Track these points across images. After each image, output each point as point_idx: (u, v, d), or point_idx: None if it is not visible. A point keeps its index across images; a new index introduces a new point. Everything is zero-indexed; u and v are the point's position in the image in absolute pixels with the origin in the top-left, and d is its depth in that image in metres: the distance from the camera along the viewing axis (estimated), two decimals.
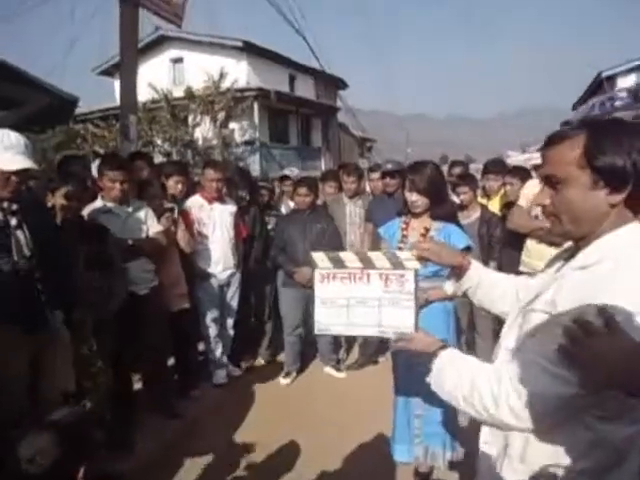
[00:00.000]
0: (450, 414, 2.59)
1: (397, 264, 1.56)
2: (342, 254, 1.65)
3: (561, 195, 1.09)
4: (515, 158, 6.41)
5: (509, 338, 1.19)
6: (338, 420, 3.41)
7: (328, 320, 1.62)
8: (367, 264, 1.59)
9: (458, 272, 1.55)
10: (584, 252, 1.08)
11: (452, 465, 2.67)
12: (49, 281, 2.31)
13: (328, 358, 4.33)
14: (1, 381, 2.12)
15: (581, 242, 1.11)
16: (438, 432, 2.62)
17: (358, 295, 1.59)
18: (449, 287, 1.63)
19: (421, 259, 1.53)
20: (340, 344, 4.66)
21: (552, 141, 1.11)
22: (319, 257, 1.65)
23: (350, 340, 4.72)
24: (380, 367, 4.25)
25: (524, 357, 1.05)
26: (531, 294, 1.17)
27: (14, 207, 2.21)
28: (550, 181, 1.11)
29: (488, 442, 1.24)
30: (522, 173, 4.25)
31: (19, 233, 2.22)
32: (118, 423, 2.93)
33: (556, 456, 1.06)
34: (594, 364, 0.89)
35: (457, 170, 4.92)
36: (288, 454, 3.02)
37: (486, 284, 1.50)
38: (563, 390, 0.97)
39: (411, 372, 2.54)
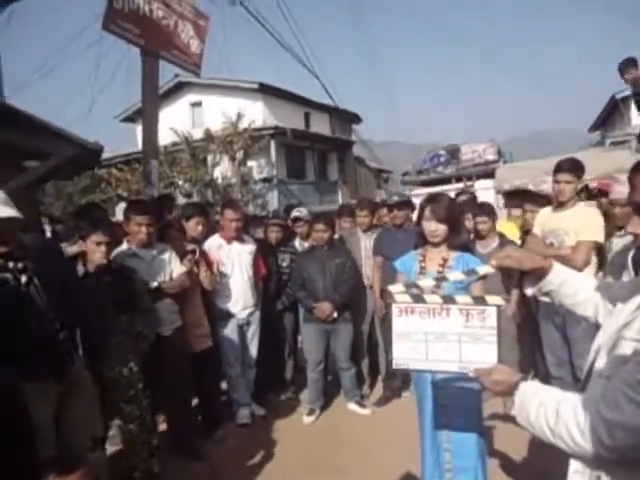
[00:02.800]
0: (480, 446, 2.53)
1: (478, 299, 1.56)
2: (421, 282, 1.66)
3: None
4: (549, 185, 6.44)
5: (600, 363, 1.13)
6: (364, 459, 3.35)
7: (406, 355, 1.61)
8: (447, 299, 1.58)
9: (539, 274, 1.50)
10: None
11: None
12: (70, 327, 2.35)
13: (352, 394, 4.28)
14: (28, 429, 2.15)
15: None
16: (469, 466, 2.54)
17: (437, 330, 1.58)
18: (529, 290, 1.59)
19: (501, 269, 1.52)
20: (364, 379, 4.61)
21: None
22: (397, 291, 1.64)
23: (373, 375, 4.67)
24: (404, 401, 4.17)
25: (613, 386, 1.00)
26: (621, 319, 1.12)
27: (20, 265, 2.27)
28: None
29: (579, 471, 1.17)
30: (541, 200, 4.24)
31: (31, 289, 2.28)
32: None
33: None
34: None
35: (463, 198, 4.93)
36: None
37: (568, 288, 1.46)
38: None
39: (437, 405, 2.51)
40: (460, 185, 6.05)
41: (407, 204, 4.31)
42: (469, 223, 4.25)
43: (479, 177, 6.81)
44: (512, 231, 4.44)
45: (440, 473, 2.58)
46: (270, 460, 3.46)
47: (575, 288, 1.45)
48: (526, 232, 4.16)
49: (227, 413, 4.07)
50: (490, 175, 6.59)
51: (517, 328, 4.06)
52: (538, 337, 3.65)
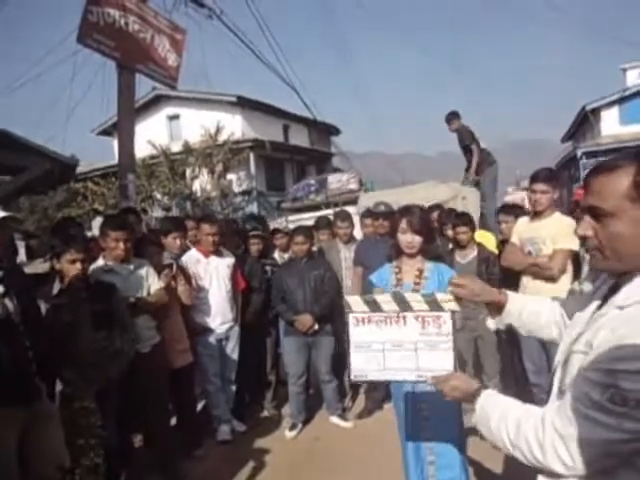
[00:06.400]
0: (461, 456, 2.53)
1: (434, 305, 1.54)
2: (377, 296, 1.64)
3: (607, 229, 1.01)
4: (512, 196, 6.89)
5: (557, 377, 1.14)
6: (347, 473, 3.31)
7: (364, 366, 1.58)
8: (403, 306, 1.56)
9: (497, 307, 1.50)
10: (626, 289, 1.01)
11: None
12: (37, 350, 2.24)
13: (334, 407, 4.24)
14: None
15: (623, 277, 1.03)
16: (454, 476, 2.54)
17: (394, 338, 1.56)
18: (491, 323, 1.59)
19: (458, 299, 1.52)
20: (345, 392, 4.58)
21: (598, 171, 1.04)
22: (354, 301, 1.63)
23: (355, 387, 4.65)
24: (386, 413, 4.14)
25: (566, 401, 1.00)
26: (574, 332, 1.12)
27: (0, 274, 2.15)
28: (594, 213, 1.03)
29: None
30: (516, 210, 4.31)
31: (7, 301, 2.15)
32: None
33: None
34: None
35: (435, 215, 4.90)
36: None
37: (528, 315, 1.46)
38: (606, 436, 0.92)
39: (418, 418, 2.50)
40: (330, 211, 6.50)
41: (392, 214, 4.32)
42: (451, 232, 4.29)
43: (345, 204, 7.56)
44: (490, 241, 4.50)
45: None
46: (252, 477, 3.39)
47: (535, 313, 1.46)
48: (502, 242, 4.22)
49: (207, 430, 3.99)
50: (354, 202, 7.43)
51: (497, 337, 4.10)
52: (518, 346, 3.69)
